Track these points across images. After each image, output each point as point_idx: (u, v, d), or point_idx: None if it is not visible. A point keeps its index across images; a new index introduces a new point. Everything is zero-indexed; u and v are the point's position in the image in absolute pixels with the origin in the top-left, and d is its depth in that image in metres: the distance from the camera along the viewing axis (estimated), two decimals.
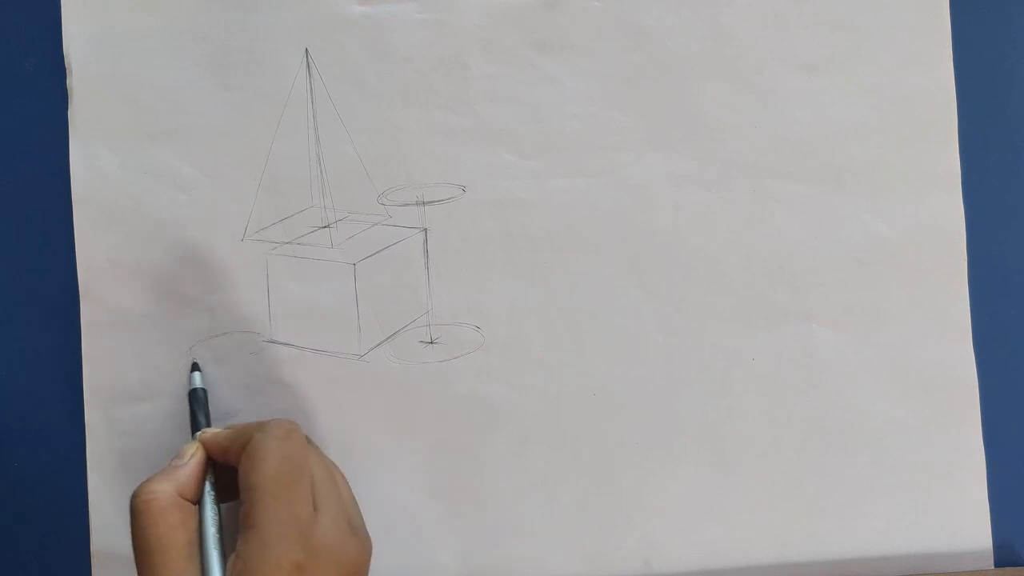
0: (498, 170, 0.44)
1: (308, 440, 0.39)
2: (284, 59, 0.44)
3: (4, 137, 0.44)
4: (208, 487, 0.37)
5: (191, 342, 0.43)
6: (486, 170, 0.44)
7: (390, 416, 0.43)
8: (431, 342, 0.44)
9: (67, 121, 0.44)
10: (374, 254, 0.44)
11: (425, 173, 0.44)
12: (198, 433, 0.40)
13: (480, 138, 0.44)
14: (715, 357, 0.44)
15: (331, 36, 0.44)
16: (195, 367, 0.42)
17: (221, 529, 0.36)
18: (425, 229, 0.44)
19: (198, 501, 0.37)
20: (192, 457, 0.38)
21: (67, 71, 0.44)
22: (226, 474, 0.38)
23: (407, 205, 0.44)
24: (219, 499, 0.38)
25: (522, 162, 0.44)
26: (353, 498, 0.39)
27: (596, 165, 0.44)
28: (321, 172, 0.44)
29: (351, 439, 0.43)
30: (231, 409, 0.43)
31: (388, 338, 0.44)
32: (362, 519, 0.38)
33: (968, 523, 0.44)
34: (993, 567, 0.43)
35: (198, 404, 0.41)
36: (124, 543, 0.43)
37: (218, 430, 0.39)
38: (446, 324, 0.44)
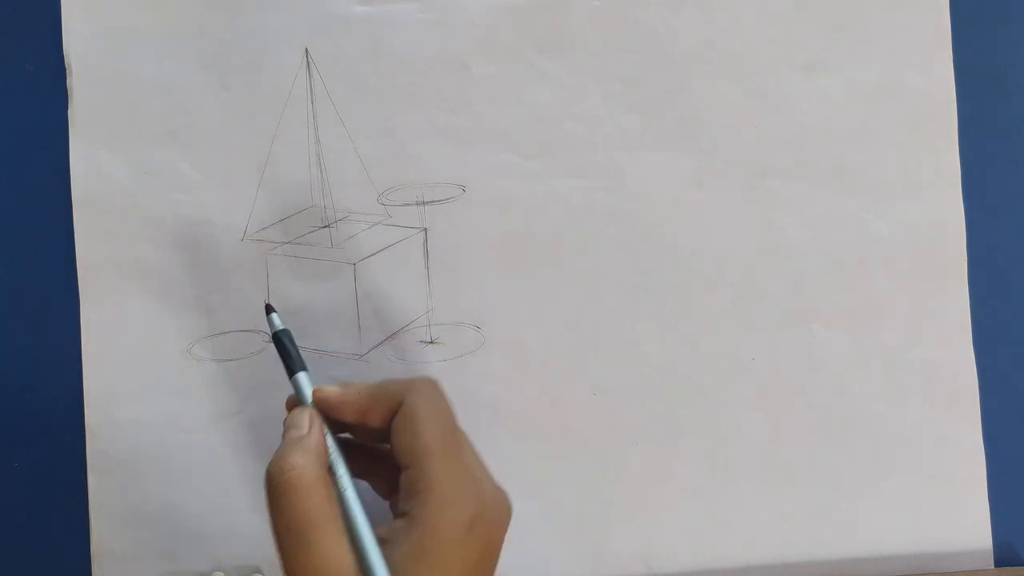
0: (498, 170, 0.44)
1: None
2: (284, 59, 0.44)
3: (4, 137, 0.44)
4: (339, 456, 0.35)
5: (191, 342, 0.43)
6: (486, 170, 0.44)
7: None
8: (431, 342, 0.44)
9: (67, 121, 0.44)
10: (374, 254, 0.44)
11: (425, 173, 0.44)
12: (310, 393, 0.36)
13: (480, 138, 0.44)
14: (715, 357, 0.44)
15: (331, 36, 0.44)
16: (270, 308, 0.39)
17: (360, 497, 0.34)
18: (425, 229, 0.44)
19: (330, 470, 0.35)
20: (313, 425, 0.35)
21: (67, 71, 0.44)
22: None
23: (407, 205, 0.44)
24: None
25: (522, 162, 0.44)
26: None
27: (596, 165, 0.44)
28: (321, 172, 0.44)
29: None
30: (231, 409, 0.43)
31: (388, 338, 0.44)
32: None
33: (968, 523, 0.44)
34: (993, 567, 0.43)
35: (290, 345, 0.38)
36: (124, 543, 0.43)
37: (337, 389, 0.36)
38: (446, 324, 0.44)
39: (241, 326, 0.43)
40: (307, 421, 0.35)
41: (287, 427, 0.35)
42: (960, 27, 0.44)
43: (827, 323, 0.44)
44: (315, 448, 0.34)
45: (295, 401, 0.37)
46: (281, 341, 0.38)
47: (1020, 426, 0.44)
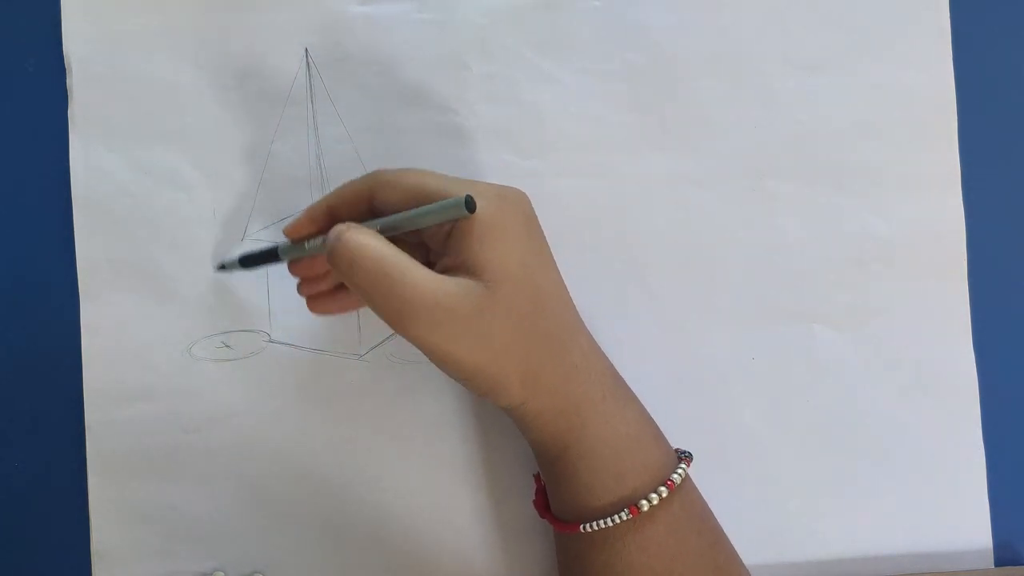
0: (498, 170, 0.44)
1: None
2: (284, 59, 0.44)
3: (4, 137, 0.44)
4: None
5: (191, 342, 0.43)
6: (486, 170, 0.44)
7: (390, 416, 0.43)
8: None
9: (67, 121, 0.44)
10: None
11: None
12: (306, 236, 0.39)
13: (480, 138, 0.44)
14: (715, 357, 0.44)
15: (331, 36, 0.44)
16: (221, 267, 0.43)
17: None
18: None
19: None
20: (349, 225, 0.36)
21: (67, 71, 0.44)
22: None
23: None
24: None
25: (522, 162, 0.44)
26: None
27: (596, 165, 0.44)
28: (321, 172, 0.44)
29: (351, 439, 0.43)
30: (231, 409, 0.43)
31: (388, 338, 0.44)
32: None
33: (968, 523, 0.44)
34: (993, 567, 0.43)
35: (256, 252, 0.41)
36: (124, 543, 0.43)
37: (310, 211, 0.39)
38: None
39: (241, 326, 0.43)
40: (343, 227, 0.36)
41: (330, 239, 0.36)
42: (960, 27, 0.44)
43: (827, 323, 0.44)
44: (359, 226, 0.37)
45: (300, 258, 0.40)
46: (252, 256, 0.41)
47: (1020, 426, 0.44)
